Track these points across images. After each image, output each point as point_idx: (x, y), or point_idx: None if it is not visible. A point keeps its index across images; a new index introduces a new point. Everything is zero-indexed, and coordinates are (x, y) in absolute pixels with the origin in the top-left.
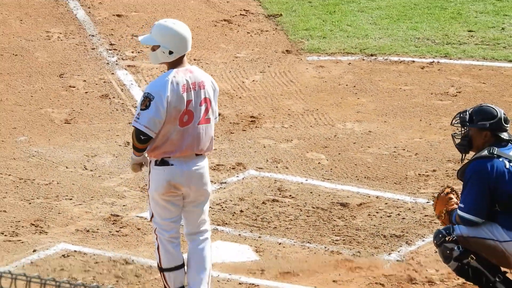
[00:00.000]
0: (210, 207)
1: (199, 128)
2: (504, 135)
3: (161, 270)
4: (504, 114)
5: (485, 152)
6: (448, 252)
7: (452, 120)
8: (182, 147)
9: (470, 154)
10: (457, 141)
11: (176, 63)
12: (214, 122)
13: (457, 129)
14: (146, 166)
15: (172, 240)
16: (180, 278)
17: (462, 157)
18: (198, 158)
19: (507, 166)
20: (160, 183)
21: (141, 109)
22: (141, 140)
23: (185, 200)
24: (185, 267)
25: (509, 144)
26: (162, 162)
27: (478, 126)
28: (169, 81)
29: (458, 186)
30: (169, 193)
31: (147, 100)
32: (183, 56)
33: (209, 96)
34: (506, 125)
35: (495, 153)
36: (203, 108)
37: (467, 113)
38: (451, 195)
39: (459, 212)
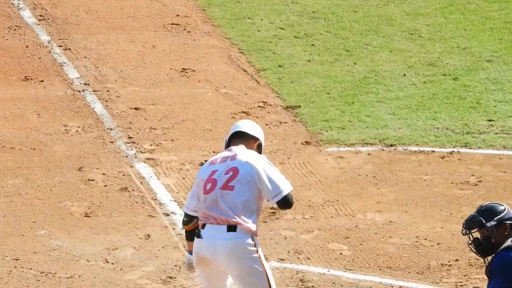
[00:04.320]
0: None
1: (220, 192)
2: None
3: None
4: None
5: (509, 243)
6: None
7: (463, 230)
8: (209, 217)
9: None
10: (475, 247)
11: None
12: (272, 201)
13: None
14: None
15: None
16: None
17: (484, 261)
18: (230, 232)
19: None
20: (194, 254)
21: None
22: (184, 222)
23: (232, 278)
24: None
25: None
26: (197, 234)
27: (495, 224)
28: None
29: (479, 276)
30: (199, 265)
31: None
32: (235, 143)
33: (239, 166)
34: None
35: None
36: (228, 176)
37: (477, 216)
38: None
39: None
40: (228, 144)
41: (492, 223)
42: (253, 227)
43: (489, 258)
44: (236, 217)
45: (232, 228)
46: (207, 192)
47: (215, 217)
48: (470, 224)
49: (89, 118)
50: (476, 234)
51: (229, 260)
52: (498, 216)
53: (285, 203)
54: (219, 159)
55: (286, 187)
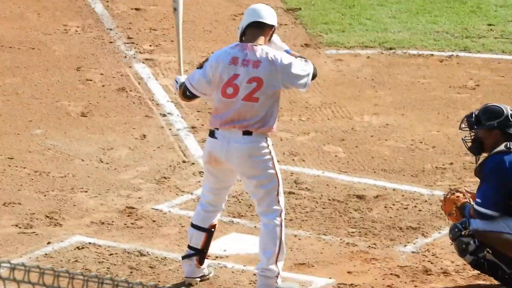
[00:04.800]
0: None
1: (243, 104)
2: None
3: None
4: (511, 110)
5: (501, 147)
6: (464, 246)
7: (460, 125)
8: (224, 118)
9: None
10: (468, 144)
11: (245, 39)
12: (303, 89)
13: (467, 132)
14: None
15: (204, 204)
16: (193, 237)
17: (476, 159)
18: (245, 136)
19: None
20: (205, 152)
21: (196, 68)
22: (186, 95)
23: (242, 178)
24: (205, 232)
25: None
26: (210, 133)
27: (487, 127)
28: (224, 50)
29: (473, 179)
30: (210, 164)
31: (204, 61)
32: (253, 33)
33: (263, 77)
34: None
35: (511, 147)
36: (252, 86)
37: (473, 115)
38: (458, 194)
39: (476, 207)
40: (244, 33)
41: (482, 127)
42: (271, 126)
43: (480, 158)
44: (255, 125)
45: (248, 132)
46: (228, 96)
47: (234, 123)
48: (464, 121)
49: (89, 18)
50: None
51: (243, 162)
52: (490, 122)
53: (313, 78)
54: (240, 60)
55: (309, 75)
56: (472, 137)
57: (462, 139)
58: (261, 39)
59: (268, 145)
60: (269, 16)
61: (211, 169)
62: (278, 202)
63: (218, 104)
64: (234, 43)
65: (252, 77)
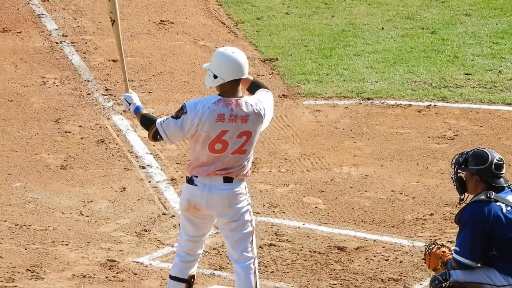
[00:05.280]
0: (206, 251)
1: (232, 157)
2: (497, 182)
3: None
4: (498, 160)
5: (482, 196)
6: None
7: (452, 160)
8: (210, 170)
9: (469, 197)
10: (454, 182)
11: (225, 91)
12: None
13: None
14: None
15: (182, 254)
16: None
17: (459, 198)
18: (226, 183)
19: (504, 210)
20: (183, 200)
21: (171, 116)
22: (155, 139)
23: (219, 223)
24: (185, 283)
25: (506, 188)
26: (189, 181)
27: (467, 170)
28: (207, 106)
29: (453, 230)
30: (189, 211)
31: (180, 112)
32: (234, 85)
33: (251, 130)
34: (497, 171)
35: (492, 197)
36: (242, 140)
37: (464, 155)
38: (444, 248)
39: (455, 256)
40: (223, 84)
41: (466, 169)
42: (249, 170)
43: (464, 203)
44: (237, 171)
45: (229, 179)
46: (216, 151)
47: (216, 172)
48: (453, 160)
49: (67, 70)
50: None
51: (223, 207)
52: (471, 167)
53: None
54: (227, 116)
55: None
56: (456, 177)
57: (451, 176)
58: (240, 91)
59: (246, 192)
60: (247, 67)
61: (190, 216)
62: (252, 249)
63: (205, 158)
64: (214, 97)
65: (242, 132)
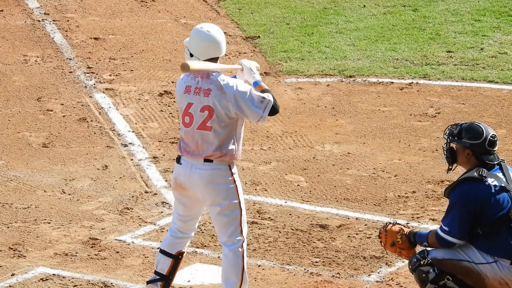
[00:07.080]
0: None
1: (198, 132)
2: (488, 158)
3: None
4: (493, 136)
5: (474, 174)
6: (424, 275)
7: (445, 131)
8: (185, 147)
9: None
10: (444, 151)
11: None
12: (255, 121)
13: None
14: None
15: (174, 230)
16: (159, 262)
17: (448, 168)
18: (206, 163)
19: (493, 190)
20: (172, 178)
21: None
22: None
23: (207, 207)
24: (172, 258)
25: (496, 166)
26: (177, 159)
27: (460, 143)
28: (180, 78)
29: (436, 208)
30: (176, 190)
31: None
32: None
33: (213, 106)
34: (490, 148)
35: (484, 174)
36: (204, 114)
37: (458, 127)
38: (398, 225)
39: (442, 234)
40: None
41: (459, 141)
42: (232, 154)
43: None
44: (213, 153)
45: (209, 160)
46: (186, 125)
47: (193, 150)
48: (447, 129)
49: (49, 48)
50: None
51: (204, 188)
52: (465, 140)
53: (272, 114)
54: (192, 89)
55: (265, 107)
56: (447, 147)
57: (442, 145)
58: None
59: (233, 174)
60: (224, 45)
61: (178, 196)
62: (241, 232)
63: (181, 132)
64: None
65: (203, 106)
